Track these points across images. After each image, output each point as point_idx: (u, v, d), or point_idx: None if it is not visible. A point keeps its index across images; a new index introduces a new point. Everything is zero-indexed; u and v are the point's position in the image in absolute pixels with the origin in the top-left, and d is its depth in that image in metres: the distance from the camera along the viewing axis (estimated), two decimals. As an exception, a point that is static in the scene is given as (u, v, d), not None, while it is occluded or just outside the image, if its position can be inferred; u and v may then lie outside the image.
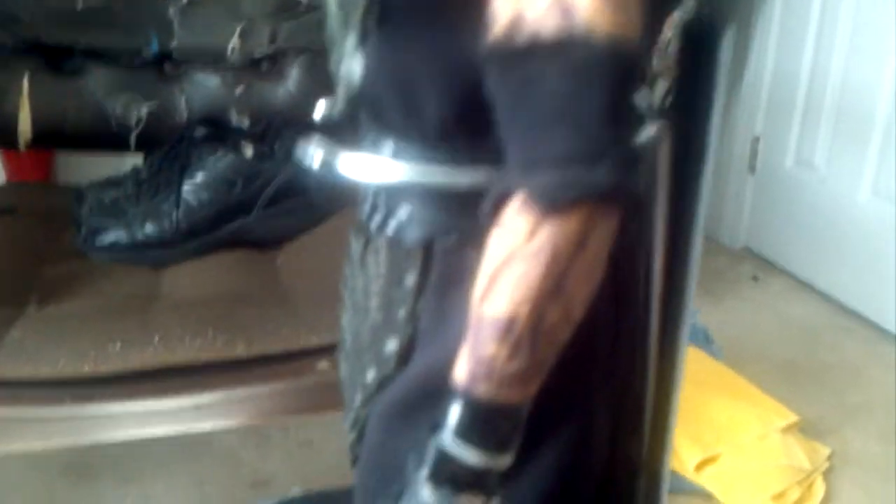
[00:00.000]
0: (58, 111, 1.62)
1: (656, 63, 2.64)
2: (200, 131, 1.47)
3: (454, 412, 0.55)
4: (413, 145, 0.63)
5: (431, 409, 0.58)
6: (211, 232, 1.42)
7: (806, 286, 2.45)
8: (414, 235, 0.65)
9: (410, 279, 0.65)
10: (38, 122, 1.61)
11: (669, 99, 2.74)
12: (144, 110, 1.64)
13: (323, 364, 1.24)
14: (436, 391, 0.58)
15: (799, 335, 2.21)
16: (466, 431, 0.55)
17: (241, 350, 1.20)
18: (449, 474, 0.56)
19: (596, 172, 0.49)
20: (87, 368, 1.16)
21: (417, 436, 0.59)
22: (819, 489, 1.63)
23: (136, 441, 1.70)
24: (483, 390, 0.54)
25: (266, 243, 1.46)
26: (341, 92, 0.63)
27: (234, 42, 1.66)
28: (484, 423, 0.55)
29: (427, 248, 0.65)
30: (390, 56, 0.60)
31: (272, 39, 1.67)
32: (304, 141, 0.67)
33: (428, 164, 0.62)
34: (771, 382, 1.89)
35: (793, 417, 1.73)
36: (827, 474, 1.68)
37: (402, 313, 0.66)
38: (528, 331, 0.52)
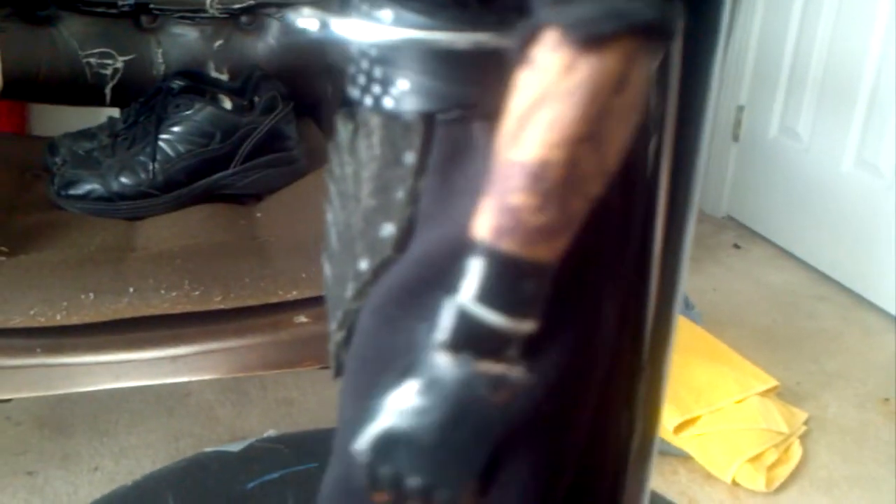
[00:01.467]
0: (30, 61, 1.58)
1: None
2: (178, 83, 1.44)
3: (475, 271, 0.51)
4: (414, 10, 0.57)
5: (433, 293, 0.54)
6: (188, 185, 1.39)
7: (786, 254, 2.46)
8: (414, 107, 0.59)
9: (409, 157, 0.60)
10: (10, 72, 1.57)
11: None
12: (120, 63, 1.61)
13: (301, 318, 1.22)
14: (439, 274, 0.55)
15: (778, 302, 2.22)
16: (489, 291, 0.51)
17: (217, 302, 1.18)
18: (468, 339, 0.52)
19: (639, 2, 0.46)
20: (59, 318, 1.13)
21: (418, 323, 0.56)
22: (796, 452, 1.64)
23: (110, 395, 1.70)
24: (509, 244, 0.50)
25: (244, 197, 1.44)
26: None
27: (214, -6, 1.63)
28: (509, 281, 0.51)
29: (428, 123, 0.59)
30: None
31: (252, -7, 1.64)
32: (294, 13, 0.62)
33: (430, 30, 0.57)
34: (750, 348, 1.90)
35: (771, 382, 1.74)
36: (804, 438, 1.69)
37: (399, 195, 0.61)
38: (560, 178, 0.49)
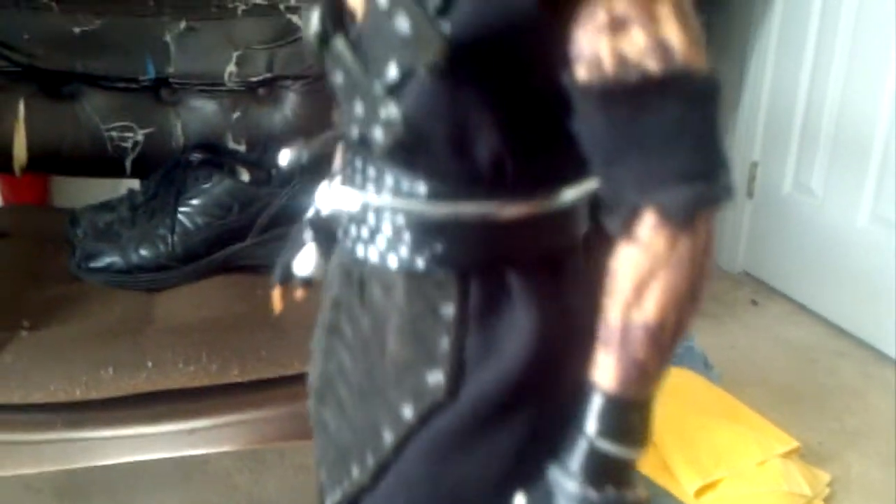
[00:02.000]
0: (54, 136, 1.62)
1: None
2: (196, 156, 1.47)
3: (600, 413, 0.60)
4: (452, 184, 0.62)
5: (492, 433, 0.64)
6: (206, 256, 1.41)
7: (804, 310, 2.45)
8: (450, 268, 0.64)
9: (448, 309, 0.64)
10: (34, 146, 1.61)
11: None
12: (141, 135, 1.64)
13: (318, 389, 1.23)
14: (494, 415, 0.64)
15: (798, 359, 2.20)
16: (617, 430, 0.60)
17: (235, 375, 1.19)
18: (600, 471, 0.61)
19: (718, 184, 0.55)
20: (79, 393, 1.15)
21: (479, 460, 0.64)
22: (820, 515, 1.62)
23: (129, 463, 1.70)
24: (634, 391, 0.60)
25: (261, 268, 1.45)
26: (379, 136, 0.61)
27: (231, 68, 1.66)
28: (632, 420, 0.60)
29: (463, 278, 0.64)
30: (442, 98, 0.59)
31: (269, 66, 1.68)
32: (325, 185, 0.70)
33: (469, 201, 0.62)
34: (770, 407, 1.88)
35: (793, 443, 1.72)
36: (828, 500, 1.66)
37: (443, 345, 0.65)
38: (673, 333, 0.58)
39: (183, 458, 1.73)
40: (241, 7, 1.65)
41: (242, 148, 1.65)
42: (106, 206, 1.52)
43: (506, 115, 0.59)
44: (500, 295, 0.64)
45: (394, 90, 0.59)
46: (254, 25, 1.67)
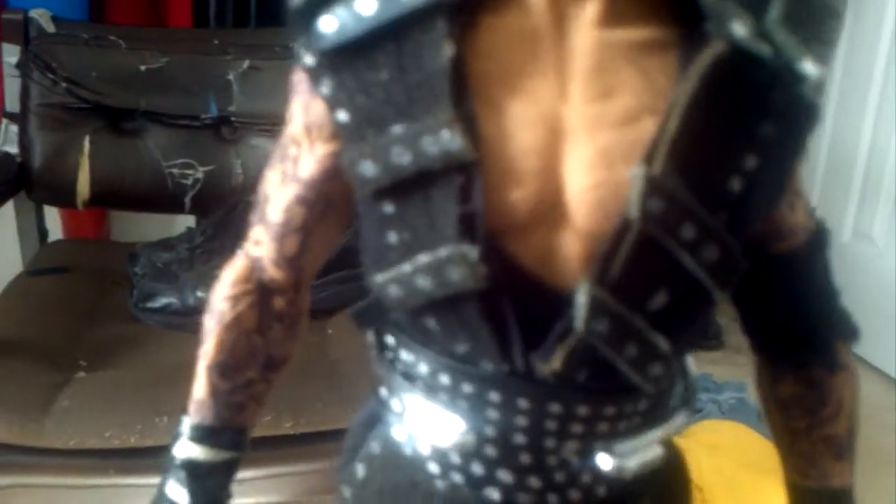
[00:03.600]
0: (116, 171, 1.65)
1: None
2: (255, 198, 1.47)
3: None
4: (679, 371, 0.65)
5: None
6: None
7: (863, 363, 2.38)
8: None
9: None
10: (97, 181, 1.63)
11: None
12: (201, 173, 1.66)
13: (370, 443, 1.22)
14: None
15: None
16: None
17: (287, 428, 1.19)
18: None
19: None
20: (133, 441, 1.15)
21: None
22: (877, 586, 1.56)
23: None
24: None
25: (317, 313, 1.45)
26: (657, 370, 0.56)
27: (292, 107, 1.67)
28: None
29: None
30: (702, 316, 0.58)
31: (329, 105, 1.68)
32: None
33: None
34: (826, 466, 1.82)
35: (851, 507, 1.67)
36: (885, 570, 1.61)
37: None
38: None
39: None
40: (304, 48, 1.66)
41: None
42: (164, 245, 1.54)
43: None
44: None
45: (659, 319, 0.54)
46: (316, 67, 1.68)
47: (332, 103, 0.54)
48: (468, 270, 0.51)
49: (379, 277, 0.55)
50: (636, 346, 0.53)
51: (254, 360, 0.68)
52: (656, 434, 0.60)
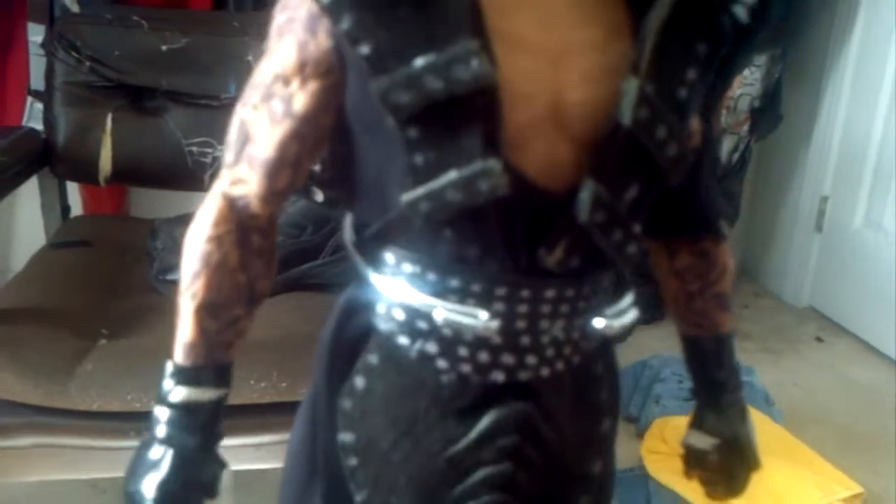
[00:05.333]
0: (137, 149, 1.68)
1: (725, 119, 2.61)
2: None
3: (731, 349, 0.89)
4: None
5: None
6: (279, 274, 1.43)
7: (871, 349, 2.40)
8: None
9: (604, 393, 0.77)
10: (119, 158, 1.67)
11: (736, 156, 2.70)
12: (220, 151, 1.69)
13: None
14: None
15: (862, 400, 2.16)
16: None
17: (303, 393, 1.21)
18: None
19: None
20: (152, 404, 1.18)
21: None
22: (881, 564, 1.59)
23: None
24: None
25: (332, 288, 1.48)
26: (632, 250, 0.67)
27: (309, 87, 1.70)
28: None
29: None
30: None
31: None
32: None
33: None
34: (832, 449, 1.85)
35: (856, 488, 1.69)
36: (889, 549, 1.63)
37: (604, 426, 0.77)
38: None
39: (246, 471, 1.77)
40: (322, 30, 1.69)
41: (317, 168, 1.68)
42: (184, 220, 1.55)
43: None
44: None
45: (631, 209, 0.65)
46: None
47: (354, 38, 0.58)
48: (495, 181, 0.59)
49: (407, 197, 0.61)
50: (621, 232, 0.64)
51: (239, 298, 0.72)
52: (627, 301, 0.72)
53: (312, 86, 0.63)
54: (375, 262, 0.68)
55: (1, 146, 1.54)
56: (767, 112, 2.45)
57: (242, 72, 1.70)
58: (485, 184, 0.59)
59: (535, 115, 0.61)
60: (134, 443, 1.25)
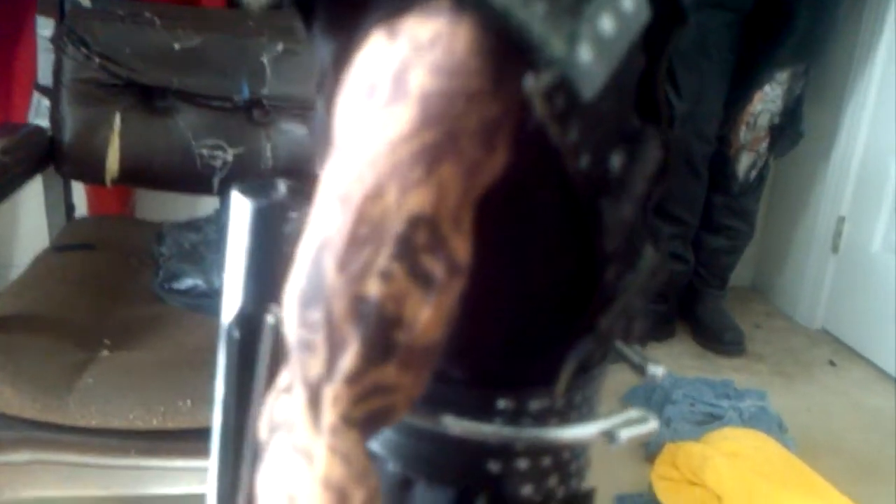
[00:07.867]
0: (146, 149, 1.63)
1: (744, 136, 2.57)
2: (284, 183, 1.46)
3: None
4: None
5: None
6: (288, 286, 1.40)
7: (886, 376, 2.35)
8: None
9: None
10: (126, 158, 1.62)
11: (754, 174, 2.65)
12: (231, 155, 1.65)
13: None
14: None
15: (878, 429, 2.11)
16: None
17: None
18: None
19: None
20: (155, 423, 1.15)
21: None
22: None
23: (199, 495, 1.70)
24: None
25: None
26: None
27: (324, 92, 1.65)
28: None
29: None
30: None
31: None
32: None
33: None
34: (846, 479, 1.80)
35: (871, 523, 1.65)
36: (904, 588, 1.59)
37: None
38: None
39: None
40: (339, 33, 1.64)
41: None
42: (192, 226, 1.53)
43: None
44: None
45: None
46: (350, 52, 1.66)
47: (579, 150, 0.47)
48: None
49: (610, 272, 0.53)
50: None
51: None
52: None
53: (467, 223, 0.46)
54: (487, 418, 0.58)
55: (5, 144, 1.49)
56: (787, 129, 2.40)
57: (257, 73, 1.65)
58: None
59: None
60: (135, 461, 1.23)
